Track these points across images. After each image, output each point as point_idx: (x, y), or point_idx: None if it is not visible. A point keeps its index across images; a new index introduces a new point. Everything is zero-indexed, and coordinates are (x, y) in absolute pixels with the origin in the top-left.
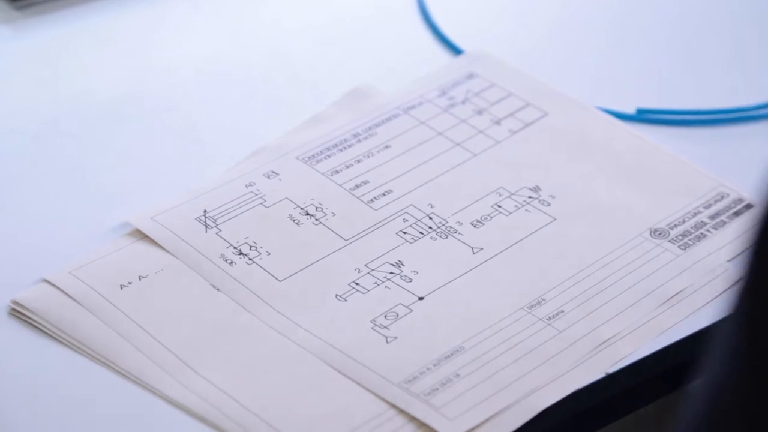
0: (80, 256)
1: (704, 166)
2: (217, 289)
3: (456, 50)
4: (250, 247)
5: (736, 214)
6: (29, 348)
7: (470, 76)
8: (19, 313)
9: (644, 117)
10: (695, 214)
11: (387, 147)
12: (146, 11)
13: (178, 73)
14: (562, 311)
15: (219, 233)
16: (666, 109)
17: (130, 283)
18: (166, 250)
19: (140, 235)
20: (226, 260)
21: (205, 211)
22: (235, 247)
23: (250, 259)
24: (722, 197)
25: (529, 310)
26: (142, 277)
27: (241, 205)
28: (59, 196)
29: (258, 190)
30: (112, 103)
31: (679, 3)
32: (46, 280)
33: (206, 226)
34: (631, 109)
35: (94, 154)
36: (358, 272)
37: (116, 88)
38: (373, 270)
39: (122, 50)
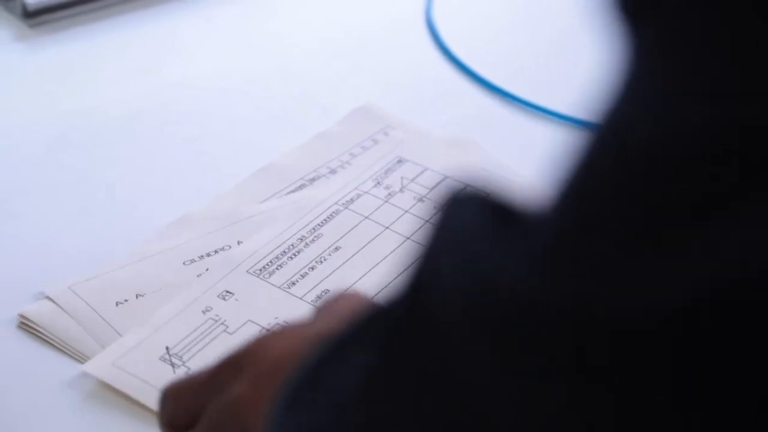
0: (85, 271)
1: None
2: None
3: (462, 67)
4: None
5: None
6: (34, 359)
7: (399, 161)
8: (26, 326)
9: None
10: None
11: (337, 248)
12: (156, 28)
13: (187, 89)
14: None
15: (189, 372)
16: None
17: (126, 300)
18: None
19: (144, 254)
20: None
21: (167, 348)
22: None
23: None
24: None
25: None
26: (140, 295)
27: (204, 335)
28: (67, 210)
29: (217, 315)
30: (122, 118)
31: None
32: (47, 296)
33: (173, 365)
34: None
35: (102, 167)
36: None
37: (126, 103)
38: None
39: (132, 66)
